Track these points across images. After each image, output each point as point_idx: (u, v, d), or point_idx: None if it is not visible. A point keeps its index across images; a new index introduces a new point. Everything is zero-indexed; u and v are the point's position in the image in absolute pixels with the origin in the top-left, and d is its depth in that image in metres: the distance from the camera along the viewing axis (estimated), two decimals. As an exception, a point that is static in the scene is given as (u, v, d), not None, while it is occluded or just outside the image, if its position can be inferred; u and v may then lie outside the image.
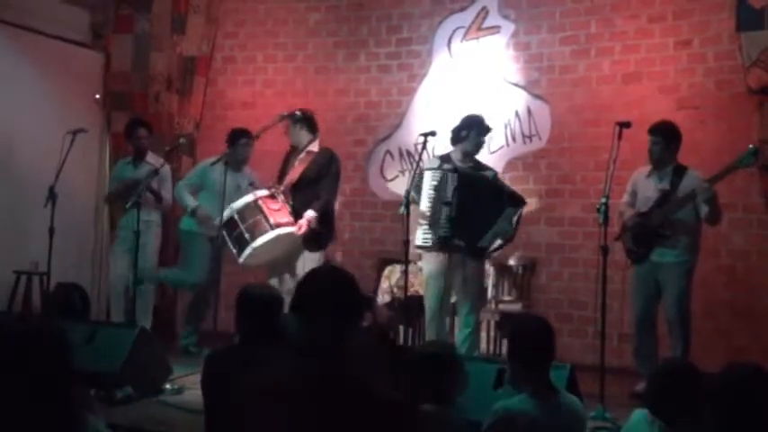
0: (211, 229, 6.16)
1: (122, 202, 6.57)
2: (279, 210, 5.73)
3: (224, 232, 5.75)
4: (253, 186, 6.21)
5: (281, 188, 5.86)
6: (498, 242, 5.53)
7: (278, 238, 5.68)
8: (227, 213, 5.72)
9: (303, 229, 5.76)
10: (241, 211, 5.69)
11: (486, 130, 5.68)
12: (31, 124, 7.08)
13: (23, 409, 1.93)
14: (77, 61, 7.81)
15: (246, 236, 5.65)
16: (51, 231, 6.03)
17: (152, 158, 6.75)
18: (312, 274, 2.43)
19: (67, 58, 7.68)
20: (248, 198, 5.72)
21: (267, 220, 5.67)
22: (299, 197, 5.86)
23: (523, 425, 2.94)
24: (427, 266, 5.62)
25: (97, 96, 7.88)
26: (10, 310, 6.62)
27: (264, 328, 3.42)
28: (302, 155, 5.97)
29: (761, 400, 2.54)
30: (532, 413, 2.97)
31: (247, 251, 5.66)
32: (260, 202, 5.70)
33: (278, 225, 5.67)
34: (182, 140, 7.02)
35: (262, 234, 5.65)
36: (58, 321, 5.28)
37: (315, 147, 6.00)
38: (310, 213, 5.80)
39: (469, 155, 5.65)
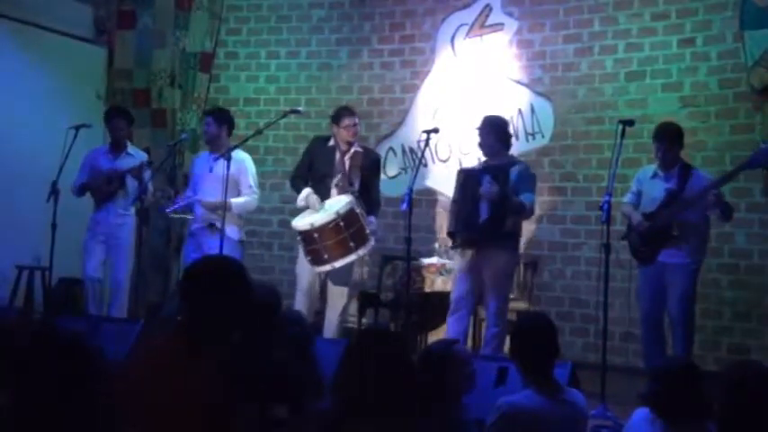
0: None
1: (100, 194, 6.37)
2: (365, 215, 5.58)
3: (316, 235, 5.47)
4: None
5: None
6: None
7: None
8: (330, 217, 5.43)
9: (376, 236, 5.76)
10: (346, 217, 5.43)
11: (485, 133, 5.65)
12: (33, 119, 7.10)
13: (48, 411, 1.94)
14: (80, 57, 7.82)
15: (351, 244, 5.43)
16: (54, 226, 6.01)
17: (132, 149, 6.58)
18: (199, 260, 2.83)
19: (71, 53, 7.70)
20: (349, 205, 5.48)
21: (364, 229, 5.50)
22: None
23: (527, 420, 2.95)
24: (458, 263, 5.70)
25: (100, 92, 7.89)
26: (12, 304, 6.62)
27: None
28: (351, 153, 5.89)
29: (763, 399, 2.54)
30: (536, 409, 2.98)
31: (351, 257, 5.47)
32: (357, 210, 5.50)
33: (371, 233, 5.55)
34: (184, 136, 7.02)
35: (366, 242, 5.50)
36: (60, 316, 5.31)
37: (357, 146, 5.97)
38: (375, 220, 5.79)
39: (486, 157, 5.72)
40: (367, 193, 5.84)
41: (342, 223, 5.42)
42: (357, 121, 5.94)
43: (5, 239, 6.81)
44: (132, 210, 6.43)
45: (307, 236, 5.52)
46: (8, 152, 6.95)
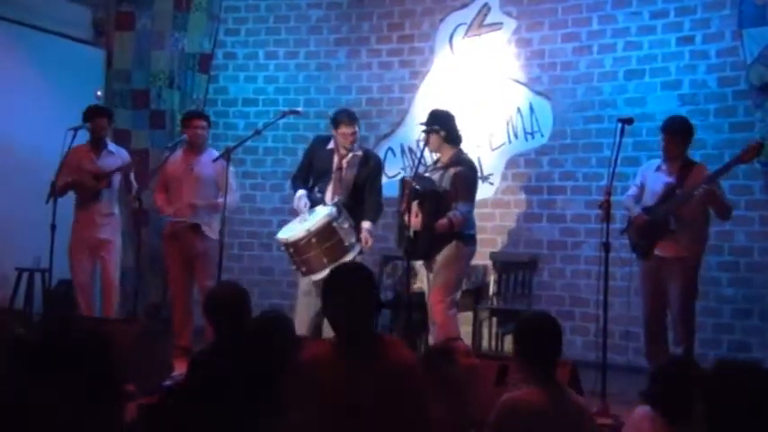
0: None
1: (86, 193, 6.28)
2: (348, 226, 5.54)
3: (292, 251, 5.52)
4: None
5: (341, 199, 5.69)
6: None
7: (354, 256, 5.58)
8: (300, 234, 5.46)
9: (369, 243, 5.72)
10: (319, 233, 5.42)
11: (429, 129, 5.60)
12: (32, 121, 7.09)
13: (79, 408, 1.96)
14: (79, 58, 7.81)
15: (324, 260, 5.40)
16: (53, 228, 6.00)
17: (113, 147, 6.52)
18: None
19: (69, 54, 7.68)
20: (325, 218, 5.46)
21: (342, 243, 5.48)
22: (350, 202, 5.71)
23: (528, 418, 2.94)
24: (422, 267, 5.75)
25: (99, 93, 7.87)
26: (12, 306, 6.62)
27: (234, 327, 3.46)
28: (349, 157, 5.82)
29: (753, 397, 2.49)
30: (539, 405, 2.97)
31: (325, 272, 5.26)
32: (334, 224, 5.47)
33: (352, 245, 5.53)
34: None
35: (343, 255, 5.43)
36: (60, 318, 5.30)
37: (358, 149, 5.90)
38: (370, 226, 5.73)
39: (433, 152, 5.75)
40: (363, 197, 5.79)
41: (314, 240, 5.43)
42: (356, 129, 5.79)
43: (5, 241, 6.81)
44: (117, 209, 6.42)
45: (285, 249, 5.60)
46: (8, 154, 6.94)
